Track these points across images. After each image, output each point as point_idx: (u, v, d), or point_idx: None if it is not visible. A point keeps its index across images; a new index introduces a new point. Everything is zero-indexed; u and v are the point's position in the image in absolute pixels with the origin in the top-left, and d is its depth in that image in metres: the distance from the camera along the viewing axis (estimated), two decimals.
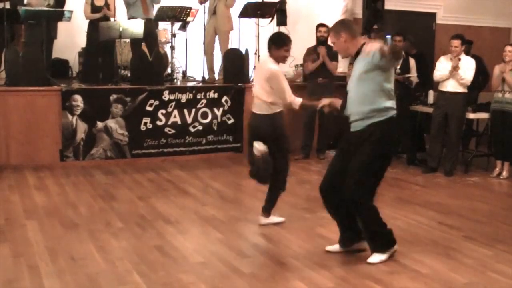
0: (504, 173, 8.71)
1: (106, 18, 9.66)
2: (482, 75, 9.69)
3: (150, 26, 9.85)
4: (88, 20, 9.65)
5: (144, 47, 9.93)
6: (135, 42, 9.87)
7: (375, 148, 5.01)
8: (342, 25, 5.23)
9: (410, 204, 7.12)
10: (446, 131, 8.83)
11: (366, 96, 4.98)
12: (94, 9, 9.60)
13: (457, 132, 8.77)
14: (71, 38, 10.29)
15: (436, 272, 5.02)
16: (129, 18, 9.83)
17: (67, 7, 9.76)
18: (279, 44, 6.02)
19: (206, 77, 10.44)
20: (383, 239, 5.23)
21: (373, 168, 5.04)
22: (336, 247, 5.42)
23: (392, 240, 5.27)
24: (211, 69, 10.39)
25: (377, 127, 5.00)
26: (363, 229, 5.18)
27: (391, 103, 5.06)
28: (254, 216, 6.59)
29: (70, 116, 8.74)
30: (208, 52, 10.35)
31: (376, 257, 5.18)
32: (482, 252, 5.55)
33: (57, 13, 9.38)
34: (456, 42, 8.55)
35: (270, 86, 5.92)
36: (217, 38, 10.29)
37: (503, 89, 8.53)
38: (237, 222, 6.48)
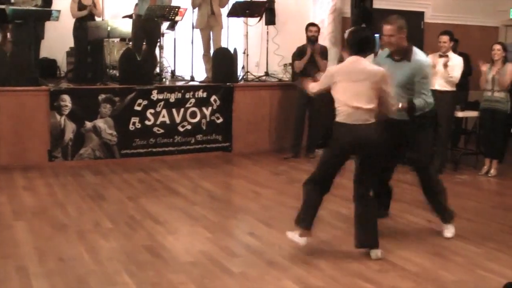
0: (492, 171, 8.74)
1: (92, 17, 9.63)
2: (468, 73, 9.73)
3: (154, 25, 9.79)
4: (73, 19, 9.60)
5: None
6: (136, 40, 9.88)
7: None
8: (403, 21, 5.71)
9: (399, 202, 7.12)
10: (435, 129, 8.85)
11: None
12: (81, 7, 9.56)
13: (446, 130, 8.80)
14: (59, 38, 10.24)
15: (426, 270, 5.03)
16: (136, 15, 9.83)
17: (54, 7, 9.72)
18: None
19: (195, 76, 10.42)
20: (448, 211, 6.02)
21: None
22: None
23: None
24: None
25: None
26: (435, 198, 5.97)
27: None
28: (243, 216, 6.60)
29: (58, 116, 8.69)
30: (209, 52, 10.29)
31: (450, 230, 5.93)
32: (472, 250, 5.57)
33: (45, 13, 9.34)
34: (445, 38, 8.59)
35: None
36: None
37: (493, 88, 8.57)
38: (227, 222, 6.47)
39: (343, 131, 5.25)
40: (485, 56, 9.06)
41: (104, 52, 9.91)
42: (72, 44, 10.11)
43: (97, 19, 9.79)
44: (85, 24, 9.51)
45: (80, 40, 9.58)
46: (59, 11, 9.41)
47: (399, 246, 5.59)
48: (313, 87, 5.58)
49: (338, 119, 5.26)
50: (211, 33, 10.18)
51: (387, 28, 5.67)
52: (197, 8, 10.18)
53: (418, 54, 5.72)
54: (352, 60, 5.28)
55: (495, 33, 13.28)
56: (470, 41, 11.74)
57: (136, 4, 10.15)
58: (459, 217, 6.45)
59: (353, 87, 5.19)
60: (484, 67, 8.64)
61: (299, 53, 9.66)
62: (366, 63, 5.28)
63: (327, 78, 5.37)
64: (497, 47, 8.57)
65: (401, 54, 5.71)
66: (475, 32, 12.77)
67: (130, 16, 10.42)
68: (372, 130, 5.24)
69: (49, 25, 9.83)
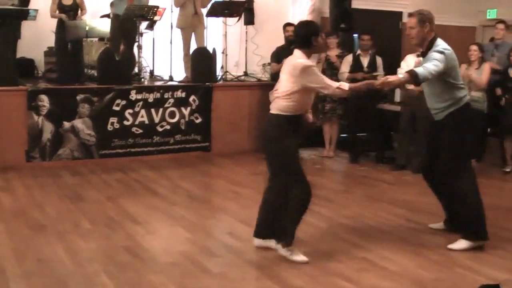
0: None
1: (75, 17, 9.56)
2: None
3: (131, 25, 9.72)
4: (55, 19, 9.52)
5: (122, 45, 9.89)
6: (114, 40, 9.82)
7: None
8: (429, 15, 5.61)
9: (378, 202, 7.17)
10: (414, 129, 8.90)
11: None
12: (61, 7, 9.48)
13: (425, 130, 8.82)
14: (36, 37, 10.16)
15: (405, 269, 5.06)
16: (114, 14, 9.76)
17: (31, 6, 9.63)
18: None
19: (174, 76, 10.39)
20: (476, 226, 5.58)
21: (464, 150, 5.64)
22: (440, 225, 6.07)
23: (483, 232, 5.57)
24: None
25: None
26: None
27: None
28: (222, 216, 6.60)
29: (36, 116, 8.63)
30: (189, 53, 10.25)
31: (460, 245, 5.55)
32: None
33: (22, 12, 9.25)
34: None
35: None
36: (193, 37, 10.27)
37: (469, 88, 8.63)
38: (206, 222, 6.47)
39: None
40: (462, 56, 9.12)
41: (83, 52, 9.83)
42: (50, 44, 10.02)
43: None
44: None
45: (62, 39, 9.50)
46: (36, 10, 9.31)
47: (378, 245, 5.61)
48: None
49: None
50: (193, 33, 10.16)
51: (408, 21, 5.64)
52: (178, 8, 10.15)
53: (439, 45, 5.60)
54: (294, 54, 5.22)
55: (472, 33, 13.38)
56: (447, 41, 11.75)
57: (112, 3, 10.07)
58: (438, 216, 6.49)
59: (281, 78, 5.22)
60: (468, 70, 8.65)
61: (277, 54, 9.64)
62: (298, 57, 5.10)
63: None
64: (474, 47, 8.66)
65: (426, 48, 5.62)
66: (453, 32, 12.82)
67: (108, 16, 10.36)
68: (271, 121, 5.18)
69: (27, 25, 9.74)
